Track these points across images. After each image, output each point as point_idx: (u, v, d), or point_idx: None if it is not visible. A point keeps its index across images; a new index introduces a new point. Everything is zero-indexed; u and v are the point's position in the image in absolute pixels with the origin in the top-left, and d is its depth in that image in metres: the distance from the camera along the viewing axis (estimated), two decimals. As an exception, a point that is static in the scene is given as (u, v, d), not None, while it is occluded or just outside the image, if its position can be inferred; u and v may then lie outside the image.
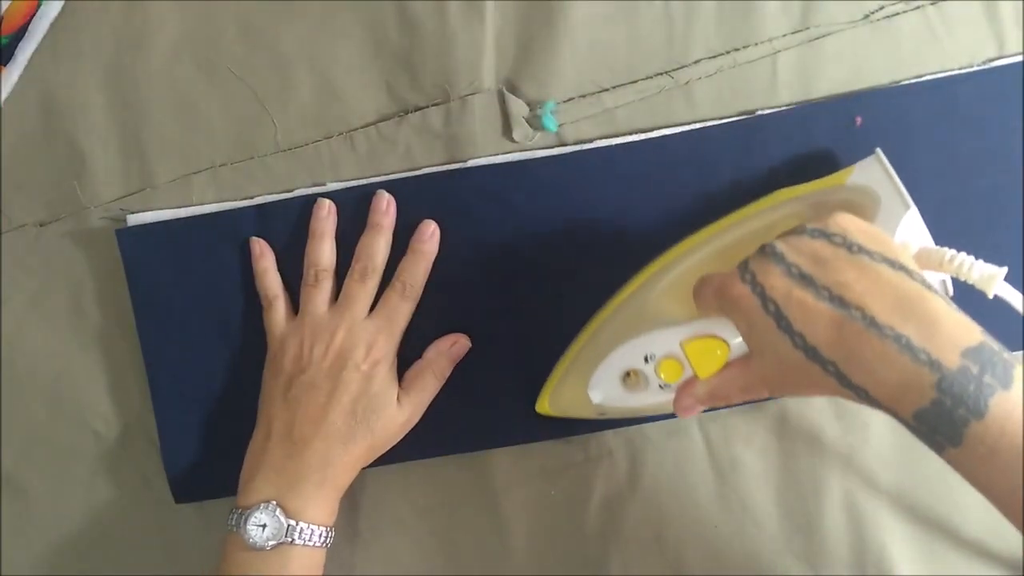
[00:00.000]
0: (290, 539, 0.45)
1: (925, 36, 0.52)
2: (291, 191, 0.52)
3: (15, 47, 0.52)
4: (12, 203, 0.53)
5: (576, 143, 0.52)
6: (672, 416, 0.48)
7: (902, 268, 0.35)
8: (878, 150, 0.46)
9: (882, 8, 0.52)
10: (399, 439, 0.50)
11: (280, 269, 0.52)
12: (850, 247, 0.36)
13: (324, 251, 0.51)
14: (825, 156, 0.51)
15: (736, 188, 0.51)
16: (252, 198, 0.52)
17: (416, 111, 0.52)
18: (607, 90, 0.52)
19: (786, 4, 0.52)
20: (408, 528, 0.52)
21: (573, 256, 0.51)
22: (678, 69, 0.52)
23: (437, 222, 0.51)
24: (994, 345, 0.34)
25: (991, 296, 0.37)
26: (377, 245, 0.50)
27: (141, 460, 0.53)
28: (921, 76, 0.52)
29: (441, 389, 0.50)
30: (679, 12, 0.52)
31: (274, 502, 0.45)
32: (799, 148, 0.51)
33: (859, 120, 0.51)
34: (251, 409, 0.51)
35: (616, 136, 0.51)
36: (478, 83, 0.51)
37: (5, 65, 0.52)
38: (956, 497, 0.52)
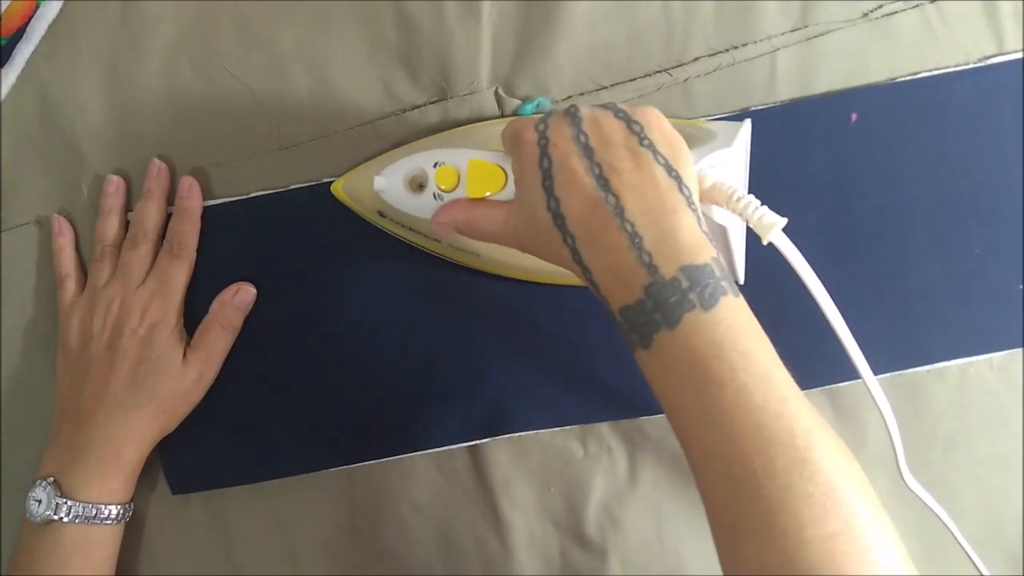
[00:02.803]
0: (59, 516, 0.46)
1: (924, 34, 0.52)
2: (287, 188, 0.52)
3: (13, 48, 0.52)
4: (11, 203, 0.53)
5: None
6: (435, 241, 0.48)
7: (677, 178, 0.36)
8: (748, 121, 0.45)
9: (880, 7, 0.52)
10: (196, 398, 0.50)
11: (269, 262, 0.52)
12: (641, 140, 0.37)
13: (111, 227, 0.51)
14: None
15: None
16: (248, 195, 0.52)
17: (413, 109, 0.52)
18: (606, 88, 0.52)
19: (785, 3, 0.52)
20: (408, 527, 0.52)
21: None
22: (677, 67, 0.52)
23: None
24: (717, 271, 0.34)
25: (765, 242, 0.38)
26: (149, 211, 0.51)
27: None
28: (918, 74, 0.52)
29: (437, 381, 0.50)
30: (678, 10, 0.52)
31: (50, 478, 0.46)
32: (794, 144, 0.51)
33: (854, 117, 0.51)
34: (246, 400, 0.52)
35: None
36: (476, 82, 0.51)
37: (3, 66, 0.52)
38: (955, 497, 0.52)
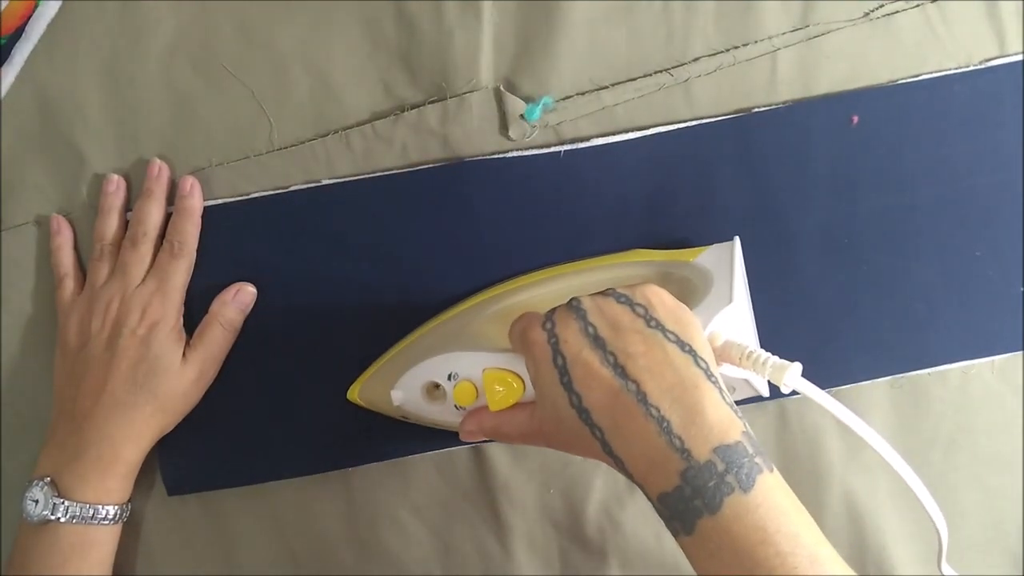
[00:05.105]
0: (56, 516, 0.46)
1: (925, 34, 0.52)
2: (286, 188, 0.52)
3: (12, 47, 0.52)
4: (10, 202, 0.53)
5: (574, 141, 0.51)
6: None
7: (691, 352, 0.36)
8: (736, 239, 0.47)
9: (882, 6, 0.52)
10: (195, 398, 0.50)
11: (269, 262, 0.52)
12: (649, 321, 0.37)
13: (111, 226, 0.51)
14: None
15: (732, 186, 0.51)
16: (248, 195, 0.52)
17: (412, 109, 0.51)
18: (606, 88, 0.52)
19: (786, 2, 0.52)
20: (407, 528, 0.52)
21: (571, 252, 0.51)
22: (677, 67, 0.51)
23: (430, 217, 0.51)
24: (750, 448, 0.34)
25: (787, 391, 0.38)
26: (149, 210, 0.51)
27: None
28: (919, 75, 0.51)
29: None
30: (679, 10, 0.52)
31: (47, 478, 0.46)
32: (795, 146, 0.51)
33: (855, 119, 0.51)
34: (243, 402, 0.51)
35: (615, 134, 0.51)
36: (475, 81, 0.51)
37: (2, 65, 0.52)
38: (956, 497, 0.52)
